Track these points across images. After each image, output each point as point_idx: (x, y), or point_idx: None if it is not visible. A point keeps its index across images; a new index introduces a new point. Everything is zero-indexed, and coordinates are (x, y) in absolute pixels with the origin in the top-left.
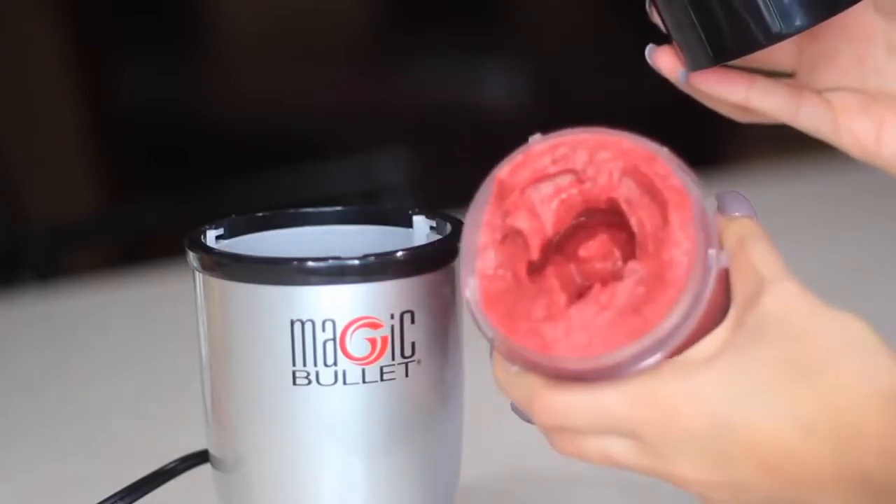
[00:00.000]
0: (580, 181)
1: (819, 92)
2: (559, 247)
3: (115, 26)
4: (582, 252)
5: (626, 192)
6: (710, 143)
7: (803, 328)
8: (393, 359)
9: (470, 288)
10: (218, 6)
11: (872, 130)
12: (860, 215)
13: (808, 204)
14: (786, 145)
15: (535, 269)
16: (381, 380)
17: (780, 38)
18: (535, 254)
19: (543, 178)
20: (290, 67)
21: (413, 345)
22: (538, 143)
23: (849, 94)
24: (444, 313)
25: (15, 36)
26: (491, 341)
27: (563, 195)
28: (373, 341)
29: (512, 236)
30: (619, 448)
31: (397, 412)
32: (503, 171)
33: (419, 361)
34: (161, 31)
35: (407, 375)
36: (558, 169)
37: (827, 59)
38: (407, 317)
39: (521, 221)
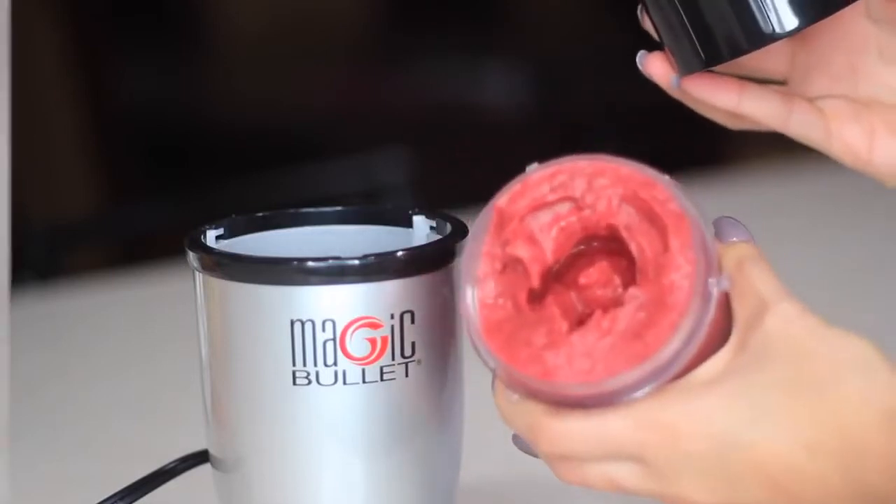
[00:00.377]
0: (579, 208)
1: (811, 99)
2: (559, 276)
3: (115, 26)
4: (582, 279)
5: (625, 218)
6: (710, 143)
7: (805, 348)
8: (393, 359)
9: (470, 317)
10: (218, 6)
11: (864, 138)
12: (860, 215)
13: (808, 204)
14: (786, 145)
15: (536, 298)
16: (381, 380)
17: (772, 39)
18: (535, 281)
19: (542, 206)
20: (290, 67)
21: (413, 345)
22: (536, 172)
23: (840, 102)
24: (443, 313)
25: (15, 36)
26: (493, 371)
27: (563, 223)
28: (373, 341)
29: (512, 265)
30: (623, 473)
31: (397, 412)
32: (502, 199)
33: (419, 361)
34: (161, 31)
35: (407, 375)
36: (557, 197)
37: (819, 67)
38: (407, 317)
39: (521, 250)
